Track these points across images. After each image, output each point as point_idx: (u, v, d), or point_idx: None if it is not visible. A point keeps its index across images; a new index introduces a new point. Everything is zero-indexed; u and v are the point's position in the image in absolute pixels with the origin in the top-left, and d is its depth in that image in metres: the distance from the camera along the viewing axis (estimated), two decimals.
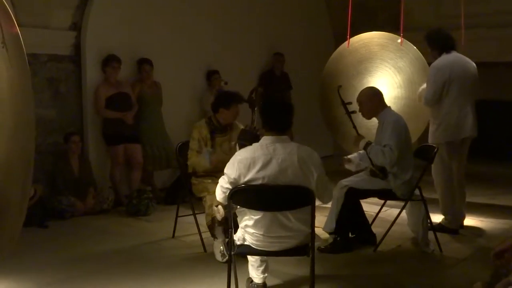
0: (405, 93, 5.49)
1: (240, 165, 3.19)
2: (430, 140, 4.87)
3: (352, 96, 4.77)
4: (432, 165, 4.85)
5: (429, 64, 5.39)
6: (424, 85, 4.92)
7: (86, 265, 4.17)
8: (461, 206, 5.00)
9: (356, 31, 5.67)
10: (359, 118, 5.20)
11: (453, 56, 4.83)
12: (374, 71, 5.54)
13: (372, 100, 4.45)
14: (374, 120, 4.55)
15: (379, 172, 4.30)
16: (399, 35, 5.54)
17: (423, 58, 5.44)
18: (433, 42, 4.89)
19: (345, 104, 4.57)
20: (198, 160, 4.38)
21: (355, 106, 4.66)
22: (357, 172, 4.63)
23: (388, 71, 5.52)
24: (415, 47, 5.48)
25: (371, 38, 5.63)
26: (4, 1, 2.53)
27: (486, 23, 7.44)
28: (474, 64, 4.92)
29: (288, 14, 8.11)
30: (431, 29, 5.08)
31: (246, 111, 4.60)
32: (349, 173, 4.66)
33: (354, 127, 4.58)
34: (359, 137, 4.54)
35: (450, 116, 4.77)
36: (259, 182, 3.15)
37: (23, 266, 4.00)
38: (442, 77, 4.71)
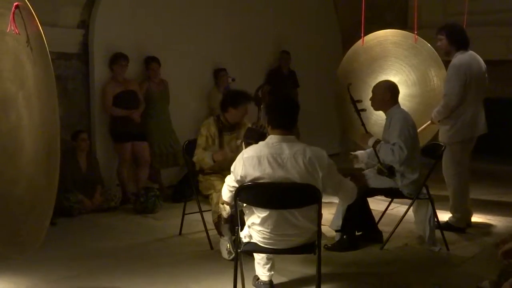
0: (419, 91, 5.47)
1: (247, 163, 3.19)
2: (443, 139, 4.82)
3: (366, 94, 4.75)
4: (443, 163, 4.83)
5: (444, 61, 5.37)
6: (437, 108, 4.86)
7: (93, 262, 4.19)
8: (468, 204, 4.99)
9: (364, 29, 5.65)
10: (373, 116, 5.21)
11: (470, 54, 4.80)
12: (388, 69, 5.52)
13: (386, 93, 4.43)
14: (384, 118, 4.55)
15: (387, 170, 4.29)
16: (408, 33, 5.52)
17: (438, 55, 5.41)
18: (454, 37, 4.80)
19: (354, 102, 4.56)
20: (202, 157, 4.39)
21: (364, 104, 4.65)
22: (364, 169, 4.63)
23: (402, 69, 5.50)
24: (429, 45, 5.45)
25: (385, 36, 5.61)
26: (27, 2, 2.58)
27: (494, 21, 7.41)
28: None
29: (295, 12, 8.09)
30: (452, 23, 5.00)
31: (253, 108, 4.60)
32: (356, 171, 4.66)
33: (363, 124, 4.57)
34: (368, 134, 4.53)
35: (466, 114, 4.75)
36: (265, 180, 3.15)
37: (30, 262, 4.01)
38: (464, 76, 4.68)
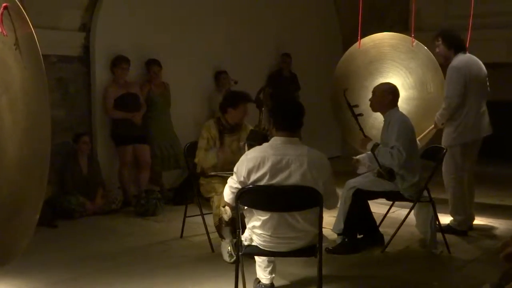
0: (417, 94, 5.47)
1: (250, 164, 3.19)
2: (446, 142, 4.81)
3: (363, 97, 4.76)
4: (443, 166, 4.83)
5: (440, 65, 5.37)
6: (439, 111, 4.86)
7: (94, 264, 4.19)
8: (470, 208, 4.98)
9: (365, 32, 5.66)
10: (370, 119, 5.21)
11: (468, 57, 4.82)
12: (385, 72, 5.53)
13: (385, 96, 4.43)
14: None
15: (386, 174, 4.28)
16: (409, 35, 5.52)
17: (435, 59, 5.42)
18: (451, 41, 4.83)
19: (351, 107, 4.56)
20: (205, 156, 4.39)
21: (361, 109, 4.65)
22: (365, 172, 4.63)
23: (399, 72, 5.51)
24: (426, 48, 5.46)
25: (382, 39, 5.61)
26: (18, 2, 2.52)
27: (494, 23, 7.41)
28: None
29: (296, 15, 8.11)
30: (446, 28, 5.02)
31: (254, 111, 4.60)
32: (357, 174, 4.65)
33: (361, 129, 4.56)
34: (366, 139, 4.52)
35: (469, 117, 4.75)
36: (267, 181, 3.15)
37: (31, 265, 4.02)
38: (463, 77, 4.70)
